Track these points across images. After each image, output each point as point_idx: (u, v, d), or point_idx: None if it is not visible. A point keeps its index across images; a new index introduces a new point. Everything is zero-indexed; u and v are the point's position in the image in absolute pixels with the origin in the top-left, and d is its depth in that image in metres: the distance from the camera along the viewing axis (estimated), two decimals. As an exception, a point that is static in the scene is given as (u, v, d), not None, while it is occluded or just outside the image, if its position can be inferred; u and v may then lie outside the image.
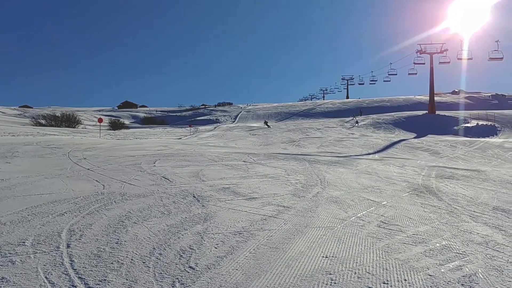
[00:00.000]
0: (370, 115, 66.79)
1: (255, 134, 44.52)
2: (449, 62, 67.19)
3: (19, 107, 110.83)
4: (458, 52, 64.73)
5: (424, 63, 68.45)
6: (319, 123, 61.23)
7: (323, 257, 4.45)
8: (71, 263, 4.10)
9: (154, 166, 11.72)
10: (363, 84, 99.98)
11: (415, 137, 40.92)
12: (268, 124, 54.84)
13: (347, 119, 62.67)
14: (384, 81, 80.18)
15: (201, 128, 63.75)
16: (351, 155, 21.57)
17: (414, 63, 69.47)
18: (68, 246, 4.61)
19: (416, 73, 71.23)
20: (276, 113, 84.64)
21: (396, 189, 9.63)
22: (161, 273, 3.91)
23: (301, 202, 7.47)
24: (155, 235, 5.07)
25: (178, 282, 3.71)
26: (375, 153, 24.79)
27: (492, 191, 9.89)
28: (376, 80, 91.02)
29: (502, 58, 61.72)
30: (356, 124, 52.87)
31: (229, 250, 4.59)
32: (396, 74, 78.37)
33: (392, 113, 66.55)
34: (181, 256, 4.37)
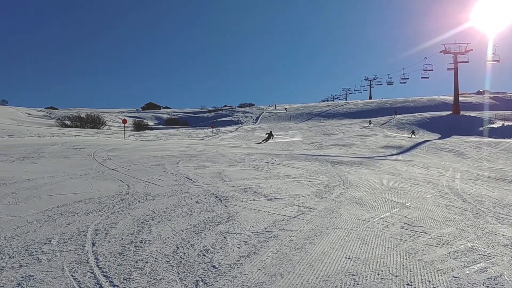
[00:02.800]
0: (393, 116, 66.01)
1: (276, 135, 44.42)
2: (467, 61, 66.36)
3: (45, 108, 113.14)
4: (482, 52, 63.80)
5: (432, 69, 68.28)
6: (341, 123, 60.87)
7: (345, 258, 4.43)
8: (96, 262, 4.17)
9: (177, 166, 11.83)
10: (392, 83, 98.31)
11: (439, 138, 40.30)
12: (272, 134, 37.71)
13: (367, 119, 62.21)
14: (422, 77, 79.09)
15: (223, 129, 64.05)
16: (374, 156, 21.38)
17: (424, 70, 69.20)
18: (93, 245, 4.69)
19: (428, 77, 70.82)
20: (298, 114, 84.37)
21: (420, 190, 9.51)
22: (184, 272, 3.95)
23: (323, 203, 7.44)
24: (179, 235, 5.12)
25: (201, 281, 3.74)
26: (398, 154, 24.51)
27: (519, 193, 9.67)
28: (408, 78, 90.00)
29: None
30: (369, 125, 54.44)
31: (252, 250, 4.61)
32: (408, 78, 78.11)
33: (416, 114, 65.67)
34: (204, 255, 4.41)
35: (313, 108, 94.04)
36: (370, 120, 61.19)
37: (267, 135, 37.00)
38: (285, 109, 75.92)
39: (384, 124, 56.94)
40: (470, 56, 66.20)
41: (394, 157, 21.98)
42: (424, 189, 9.73)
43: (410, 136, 42.35)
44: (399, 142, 33.16)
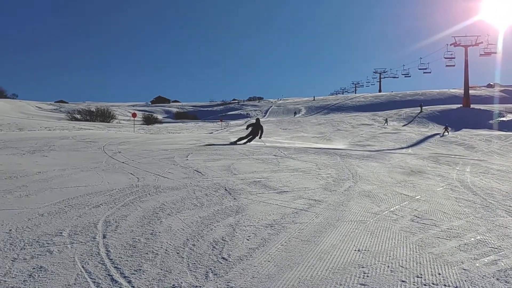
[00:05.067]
0: (402, 109, 65.59)
1: (285, 129, 44.43)
2: (490, 54, 65.52)
3: (55, 102, 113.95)
4: (489, 45, 63.14)
5: (454, 57, 67.02)
6: (350, 117, 60.62)
7: (355, 250, 4.43)
8: (107, 253, 4.21)
9: (187, 159, 11.86)
10: (409, 76, 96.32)
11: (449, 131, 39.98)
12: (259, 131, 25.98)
13: (380, 113, 61.73)
14: (424, 73, 78.18)
15: (232, 122, 64.08)
16: (383, 150, 21.29)
17: (444, 58, 68.03)
18: (104, 237, 4.73)
19: (454, 65, 69.81)
20: (307, 107, 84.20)
21: (430, 183, 9.46)
22: (194, 263, 3.97)
23: (333, 196, 7.43)
24: (189, 227, 5.15)
25: (211, 272, 3.77)
26: (408, 147, 24.39)
27: (530, 186, 9.60)
28: (408, 75, 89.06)
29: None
30: (385, 125, 50.14)
31: (261, 242, 4.63)
32: (426, 69, 76.99)
33: (426, 107, 65.23)
34: (214, 247, 4.43)
35: (322, 101, 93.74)
36: (386, 119, 53.87)
37: (249, 131, 19.80)
38: (294, 113, 76.22)
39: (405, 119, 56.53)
40: (480, 49, 65.51)
41: (404, 150, 21.87)
42: (434, 182, 9.68)
43: (442, 134, 36.00)
44: (409, 136, 32.99)
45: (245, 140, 19.10)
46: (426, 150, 22.12)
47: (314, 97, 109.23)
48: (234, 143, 18.31)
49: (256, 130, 19.40)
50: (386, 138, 30.78)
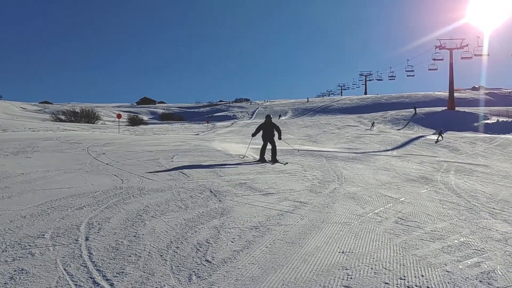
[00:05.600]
0: (388, 112, 66.09)
1: (272, 130, 44.35)
2: (471, 57, 66.26)
3: (39, 103, 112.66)
4: (475, 48, 63.94)
5: (442, 59, 67.65)
6: (336, 119, 60.95)
7: (339, 252, 4.43)
8: (89, 256, 4.16)
9: (172, 161, 11.80)
10: (394, 78, 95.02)
11: (434, 134, 40.41)
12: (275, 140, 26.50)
13: (365, 115, 62.11)
14: (407, 76, 78.77)
15: (219, 124, 63.98)
16: (369, 152, 21.43)
17: (433, 59, 68.66)
18: (86, 239, 4.67)
19: (436, 69, 70.57)
20: (293, 109, 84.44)
21: (414, 185, 9.54)
22: (178, 266, 3.94)
23: (318, 197, 7.44)
24: (173, 229, 5.11)
25: (195, 275, 3.74)
26: (393, 149, 24.58)
27: (512, 188, 9.72)
28: (395, 77, 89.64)
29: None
30: (372, 127, 49.40)
31: (246, 245, 4.60)
32: (413, 71, 77.57)
33: (411, 109, 65.81)
34: (198, 249, 4.40)
35: (308, 103, 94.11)
36: (373, 122, 53.00)
37: (265, 144, 13.65)
38: (279, 116, 76.38)
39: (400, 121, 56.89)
40: (464, 52, 66.32)
41: (389, 152, 22.03)
42: (418, 184, 9.76)
43: (437, 139, 33.15)
44: (394, 138, 33.24)
45: (269, 157, 13.17)
46: (411, 153, 22.31)
47: (308, 98, 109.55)
48: (261, 160, 12.85)
49: (268, 132, 13.46)
50: (372, 140, 30.98)
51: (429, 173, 12.18)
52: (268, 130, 13.56)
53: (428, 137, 35.53)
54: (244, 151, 14.76)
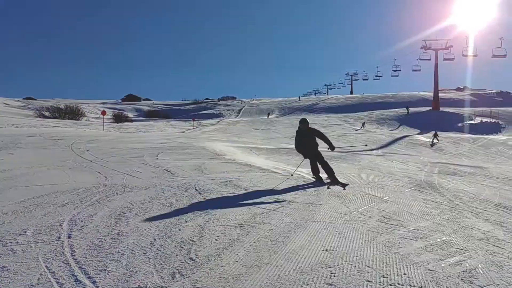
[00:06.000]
0: (373, 111, 66.56)
1: (258, 129, 44.52)
2: (453, 58, 67.08)
3: (23, 99, 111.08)
4: (463, 48, 64.70)
5: (429, 59, 68.36)
6: (322, 118, 61.20)
7: (323, 250, 4.44)
8: (71, 253, 4.11)
9: (157, 159, 11.74)
10: (379, 77, 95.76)
11: (418, 133, 40.84)
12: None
13: (351, 115, 62.44)
14: (391, 76, 79.58)
15: (204, 122, 63.80)
16: (354, 151, 21.55)
17: (420, 59, 69.39)
18: (69, 236, 4.62)
19: (420, 69, 71.43)
20: (280, 108, 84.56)
21: (398, 184, 9.61)
22: (161, 264, 3.92)
23: (303, 196, 7.46)
24: (156, 227, 5.08)
25: (178, 273, 3.72)
26: (378, 148, 24.76)
27: (494, 188, 9.86)
28: (381, 76, 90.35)
29: (505, 55, 61.72)
30: (363, 127, 49.06)
31: (230, 243, 4.60)
32: (400, 70, 78.28)
33: (396, 109, 66.41)
34: (182, 247, 4.38)
35: (295, 102, 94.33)
36: (363, 123, 51.70)
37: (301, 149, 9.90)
38: (268, 114, 76.12)
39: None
40: (447, 54, 67.11)
41: (374, 151, 22.19)
42: (402, 183, 9.84)
43: (432, 142, 32.65)
44: (379, 137, 33.48)
45: (325, 176, 9.40)
46: (396, 152, 22.50)
47: (299, 97, 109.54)
48: (318, 180, 9.20)
49: (308, 143, 9.69)
50: (357, 139, 31.19)
51: (413, 172, 12.28)
52: (308, 141, 9.57)
53: (413, 137, 35.85)
54: (285, 167, 11.36)
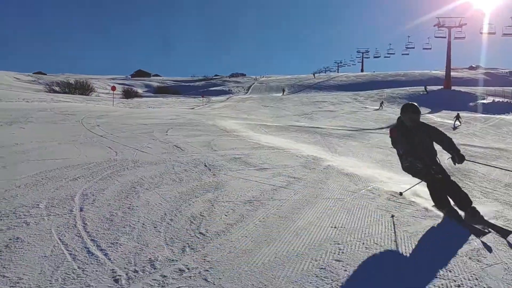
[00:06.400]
0: (384, 90, 65.92)
1: (267, 106, 44.39)
2: (464, 37, 66.10)
3: (33, 73, 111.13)
4: (479, 26, 63.59)
5: (445, 37, 67.30)
6: (332, 96, 60.78)
7: (332, 227, 4.47)
8: (84, 226, 4.18)
9: (167, 135, 11.78)
10: (390, 56, 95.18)
11: (429, 113, 40.49)
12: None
13: (361, 93, 61.88)
14: (402, 54, 78.71)
15: (214, 98, 63.68)
16: (363, 129, 21.47)
17: (435, 37, 68.43)
18: (81, 210, 4.69)
19: (430, 48, 70.53)
20: (289, 85, 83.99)
21: (408, 163, 9.57)
22: (171, 238, 3.97)
23: (312, 174, 7.48)
24: (167, 202, 5.14)
25: (188, 247, 3.77)
26: (388, 127, 24.61)
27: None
28: (393, 53, 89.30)
29: (515, 34, 60.47)
30: (381, 107, 47.80)
31: (239, 218, 4.64)
32: (413, 48, 77.32)
33: (407, 88, 65.70)
34: (192, 222, 4.43)
35: (305, 80, 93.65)
36: (382, 102, 49.05)
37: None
38: (283, 91, 74.07)
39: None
40: (457, 32, 66.12)
41: (383, 130, 22.08)
42: (412, 162, 9.79)
43: (454, 124, 29.57)
44: (389, 116, 33.26)
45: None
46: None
47: (314, 73, 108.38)
48: (454, 217, 4.92)
49: (419, 145, 5.51)
50: (367, 118, 31.03)
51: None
52: (420, 141, 5.56)
53: (424, 116, 35.50)
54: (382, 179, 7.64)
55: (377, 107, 46.67)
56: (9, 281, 3.07)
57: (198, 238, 4.00)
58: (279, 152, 9.85)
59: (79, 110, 19.16)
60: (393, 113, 38.23)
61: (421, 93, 60.36)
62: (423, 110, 43.08)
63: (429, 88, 63.04)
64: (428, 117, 33.78)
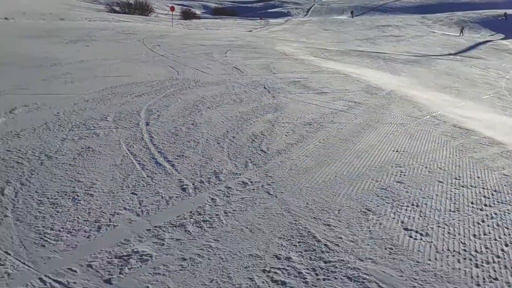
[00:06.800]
0: (455, 12, 61.65)
1: (327, 30, 42.96)
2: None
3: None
4: None
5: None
6: (397, 19, 57.65)
7: (393, 151, 4.41)
8: (150, 139, 4.36)
9: (226, 56, 11.75)
10: None
11: (503, 39, 37.73)
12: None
13: (429, 16, 58.23)
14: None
15: (272, 21, 62.16)
16: (430, 55, 20.45)
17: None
18: (147, 124, 4.87)
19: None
20: (352, 7, 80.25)
21: (476, 91, 9.13)
22: (234, 153, 4.08)
23: (374, 99, 7.29)
24: (228, 120, 5.22)
25: (251, 162, 3.87)
26: (456, 53, 23.31)
27: None
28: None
29: None
30: (461, 34, 44.46)
31: (299, 139, 4.66)
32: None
33: (481, 11, 61.04)
34: (253, 140, 4.51)
35: (368, 1, 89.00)
36: (462, 27, 45.69)
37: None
38: (351, 12, 69.37)
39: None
40: None
41: (451, 56, 20.95)
42: (481, 89, 9.33)
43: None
44: (459, 41, 31.35)
45: None
46: (475, 58, 21.10)
47: None
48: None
49: None
50: (434, 43, 29.36)
51: (493, 79, 11.57)
52: None
53: (497, 42, 33.24)
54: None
55: (447, 32, 43.87)
56: (84, 185, 3.30)
57: (260, 155, 4.08)
58: (340, 76, 9.62)
59: (140, 30, 19.34)
60: (462, 38, 36.01)
61: (499, 18, 55.74)
62: (496, 36, 40.29)
63: (508, 11, 58.11)
64: (502, 43, 31.54)
